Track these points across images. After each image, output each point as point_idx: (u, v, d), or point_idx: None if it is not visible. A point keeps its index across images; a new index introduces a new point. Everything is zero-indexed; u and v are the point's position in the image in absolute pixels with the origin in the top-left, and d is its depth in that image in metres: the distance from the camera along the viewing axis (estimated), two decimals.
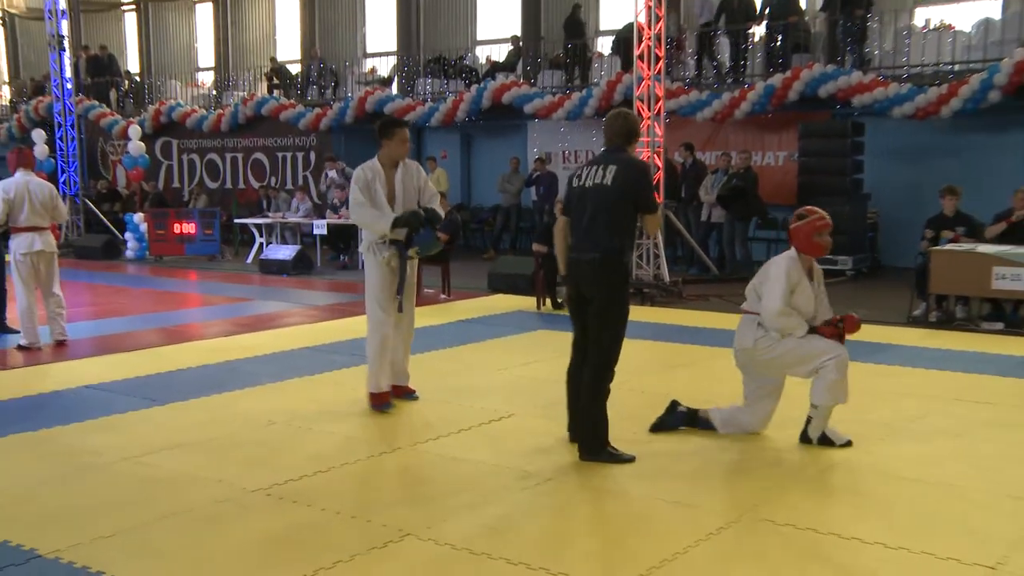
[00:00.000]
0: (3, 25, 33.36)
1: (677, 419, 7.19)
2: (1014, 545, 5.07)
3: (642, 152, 15.09)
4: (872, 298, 13.88)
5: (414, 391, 8.12)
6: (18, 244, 10.56)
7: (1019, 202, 12.19)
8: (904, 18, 18.84)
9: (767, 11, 18.88)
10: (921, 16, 19.02)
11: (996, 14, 18.00)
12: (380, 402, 7.79)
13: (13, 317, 11.17)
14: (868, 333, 11.10)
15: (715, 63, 19.45)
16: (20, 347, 10.59)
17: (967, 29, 17.96)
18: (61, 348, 10.63)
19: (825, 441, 6.78)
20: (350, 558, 4.86)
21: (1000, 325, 11.50)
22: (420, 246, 7.76)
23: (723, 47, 19.68)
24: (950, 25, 18.14)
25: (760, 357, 6.85)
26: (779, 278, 6.71)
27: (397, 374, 8.09)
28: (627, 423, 6.90)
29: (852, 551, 4.98)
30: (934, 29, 18.18)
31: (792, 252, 6.82)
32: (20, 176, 10.61)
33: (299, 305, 13.89)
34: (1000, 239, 11.92)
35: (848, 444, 6.76)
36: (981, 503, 5.70)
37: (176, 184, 25.95)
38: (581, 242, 6.35)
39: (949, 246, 11.85)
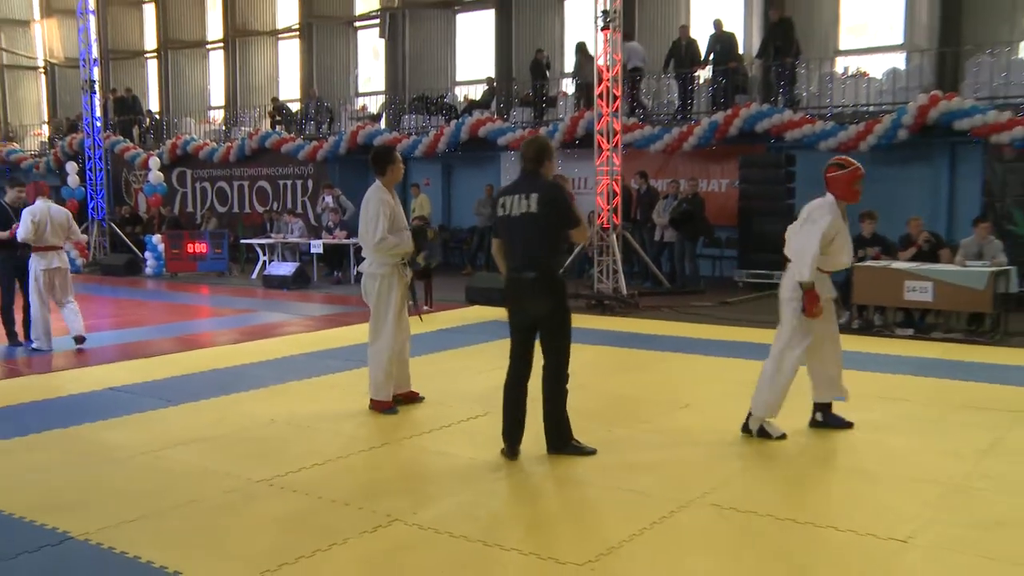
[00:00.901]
0: (45, 73, 33.60)
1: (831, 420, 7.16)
2: (922, 523, 5.13)
3: (602, 180, 15.18)
4: None
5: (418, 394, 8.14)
6: (38, 262, 10.79)
7: (914, 229, 12.43)
8: (827, 65, 19.10)
9: (711, 57, 19.03)
10: (841, 64, 19.36)
11: (902, 65, 18.43)
12: (387, 407, 7.73)
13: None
14: None
15: (642, 106, 19.60)
16: (34, 350, 10.82)
17: (879, 76, 18.27)
18: (76, 354, 10.65)
19: (763, 434, 6.82)
20: (344, 541, 4.85)
21: (911, 331, 11.61)
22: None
23: (672, 88, 19.80)
24: (865, 72, 18.49)
25: (782, 305, 6.92)
26: (822, 222, 6.64)
27: (409, 377, 8.07)
28: (590, 420, 6.89)
29: (786, 530, 5.01)
30: (852, 75, 18.50)
31: (831, 198, 6.75)
32: (41, 203, 10.85)
33: (298, 316, 13.83)
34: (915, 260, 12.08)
35: (783, 437, 6.79)
36: (895, 487, 5.75)
37: (190, 209, 25.83)
38: (519, 263, 6.18)
39: (868, 263, 11.97)
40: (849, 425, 7.08)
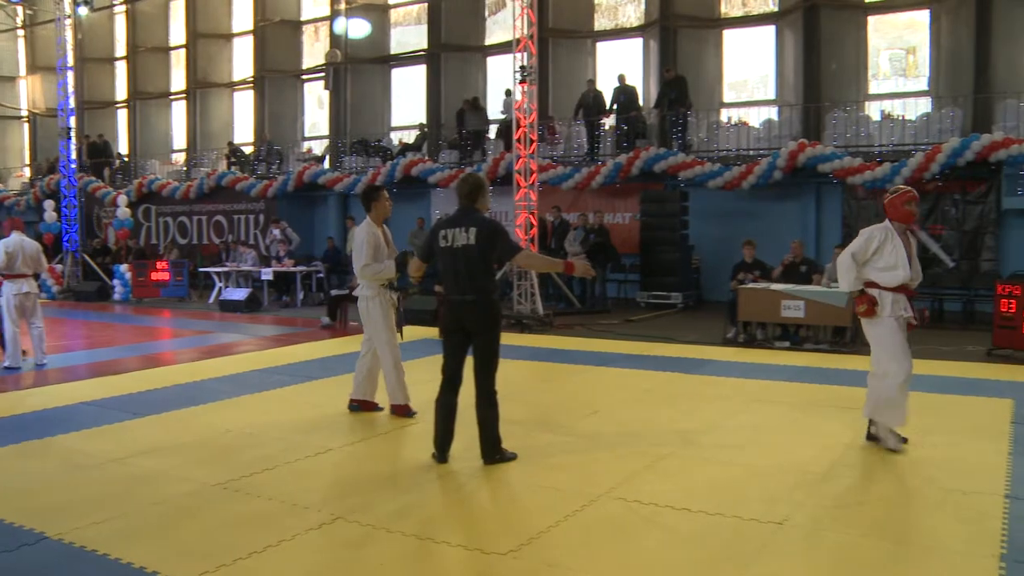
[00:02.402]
0: (28, 122, 33.29)
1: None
2: (796, 506, 5.23)
3: (520, 213, 15.23)
4: (697, 325, 14.15)
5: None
6: (10, 287, 10.71)
7: (795, 250, 12.68)
8: (714, 115, 19.48)
9: (615, 107, 19.28)
10: (725, 114, 19.77)
11: (775, 116, 18.99)
12: (406, 412, 7.64)
13: None
14: (693, 351, 11.41)
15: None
16: (6, 368, 10.53)
17: (757, 125, 18.78)
18: (50, 371, 10.37)
19: (877, 439, 6.64)
20: (292, 537, 4.77)
21: (787, 343, 11.81)
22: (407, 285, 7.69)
23: (582, 133, 19.99)
24: (746, 122, 18.99)
25: (864, 328, 6.72)
26: (861, 238, 6.53)
27: (376, 390, 7.96)
28: (512, 426, 6.78)
29: (681, 518, 5.06)
30: (735, 124, 18.92)
31: (885, 222, 6.55)
32: (15, 236, 10.85)
33: (251, 336, 13.58)
34: (784, 278, 12.34)
35: (904, 441, 6.51)
36: (774, 477, 5.85)
37: (154, 241, 25.33)
38: (460, 288, 6.10)
39: (750, 285, 12.18)
40: (903, 440, 6.60)
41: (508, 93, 20.81)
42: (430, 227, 6.64)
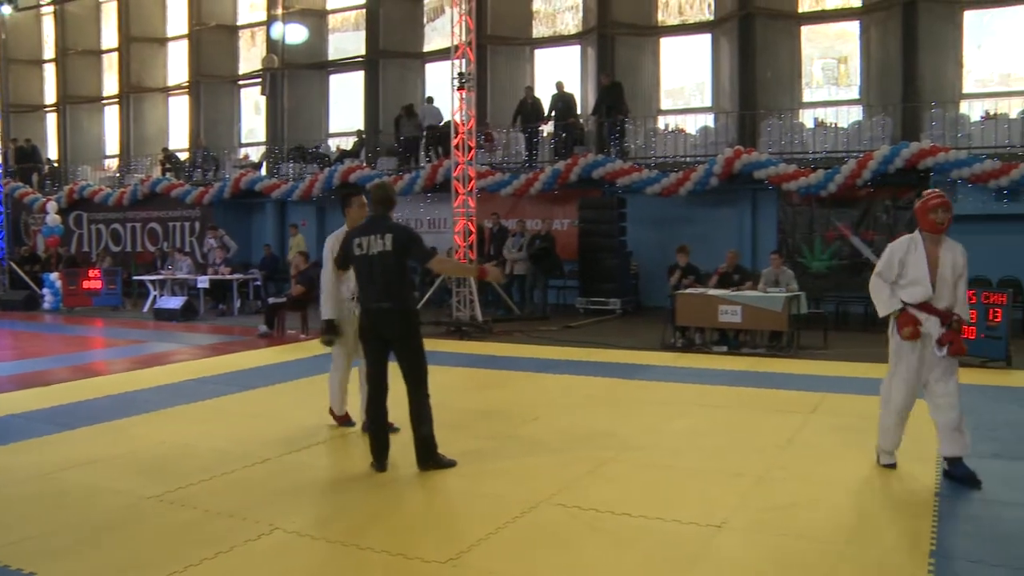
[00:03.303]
0: None
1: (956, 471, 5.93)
2: (733, 509, 5.30)
3: (459, 220, 15.22)
4: (635, 330, 14.26)
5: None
6: None
7: (729, 259, 12.88)
8: (651, 122, 19.70)
9: (552, 114, 19.37)
10: (662, 121, 20.03)
11: (711, 123, 19.30)
12: (340, 421, 7.59)
13: None
14: (632, 356, 11.49)
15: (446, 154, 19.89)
16: None
17: (693, 132, 19.03)
18: None
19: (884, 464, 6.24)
20: (229, 549, 4.69)
21: (724, 348, 11.97)
22: None
23: (520, 140, 20.05)
24: (683, 129, 19.28)
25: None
26: (884, 254, 6.04)
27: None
28: (452, 433, 6.78)
29: (621, 523, 5.08)
30: (672, 131, 19.16)
31: (915, 232, 5.94)
32: None
33: (186, 345, 13.31)
34: (720, 285, 12.52)
35: (891, 466, 6.15)
36: (712, 480, 5.91)
37: (86, 248, 24.83)
38: (378, 295, 6.04)
39: (688, 290, 12.32)
40: (977, 484, 5.73)
41: (430, 101, 20.87)
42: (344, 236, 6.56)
